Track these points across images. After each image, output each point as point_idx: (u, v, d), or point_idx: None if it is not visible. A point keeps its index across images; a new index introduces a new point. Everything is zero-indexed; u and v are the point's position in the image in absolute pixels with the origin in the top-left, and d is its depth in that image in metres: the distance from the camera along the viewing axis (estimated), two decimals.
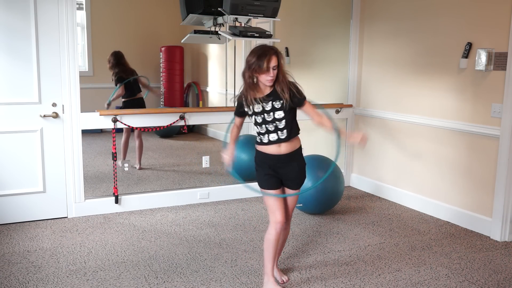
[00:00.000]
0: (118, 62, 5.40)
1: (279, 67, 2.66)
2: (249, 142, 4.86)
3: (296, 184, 2.87)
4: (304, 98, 2.75)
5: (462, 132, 4.08)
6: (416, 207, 4.58)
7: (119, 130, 4.29)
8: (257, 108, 2.72)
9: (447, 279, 3.14)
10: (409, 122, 4.58)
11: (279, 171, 2.81)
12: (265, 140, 2.77)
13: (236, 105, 2.86)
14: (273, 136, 2.74)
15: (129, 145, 5.54)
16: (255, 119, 2.76)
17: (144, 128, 4.35)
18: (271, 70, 2.62)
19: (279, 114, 2.70)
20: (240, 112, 2.85)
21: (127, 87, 5.43)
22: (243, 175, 4.06)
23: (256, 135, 2.84)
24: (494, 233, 3.85)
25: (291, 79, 2.74)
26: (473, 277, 3.18)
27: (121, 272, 3.15)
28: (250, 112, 2.77)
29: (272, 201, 2.81)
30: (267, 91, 2.71)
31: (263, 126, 2.74)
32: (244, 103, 2.77)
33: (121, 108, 5.39)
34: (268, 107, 2.70)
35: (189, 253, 3.47)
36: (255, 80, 2.68)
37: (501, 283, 3.09)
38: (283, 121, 2.71)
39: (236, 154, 2.96)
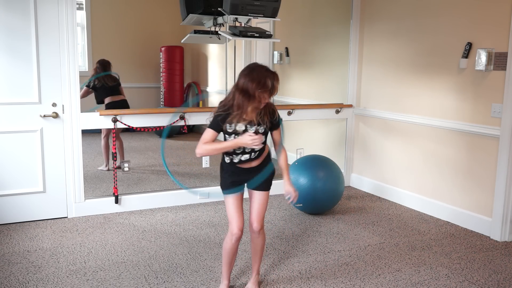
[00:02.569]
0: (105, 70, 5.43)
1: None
2: None
3: (263, 186, 2.77)
4: (279, 121, 2.70)
5: (462, 132, 4.08)
6: (416, 207, 4.58)
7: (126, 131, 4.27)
8: (240, 127, 2.58)
9: (447, 279, 3.14)
10: (409, 122, 4.58)
11: (247, 178, 2.75)
12: (236, 160, 2.68)
13: (213, 119, 2.61)
14: (246, 157, 2.68)
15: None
16: (232, 137, 2.62)
17: (144, 128, 4.34)
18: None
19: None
20: (219, 127, 2.61)
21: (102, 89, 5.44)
22: None
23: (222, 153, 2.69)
24: (494, 233, 3.85)
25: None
26: (473, 277, 3.18)
27: (121, 272, 3.15)
28: (230, 130, 2.59)
29: (231, 209, 2.73)
30: (253, 114, 2.58)
31: (241, 147, 2.63)
32: (225, 118, 2.57)
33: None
34: (252, 130, 2.59)
35: (189, 253, 3.47)
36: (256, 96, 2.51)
37: (501, 283, 3.09)
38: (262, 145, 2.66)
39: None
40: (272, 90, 2.53)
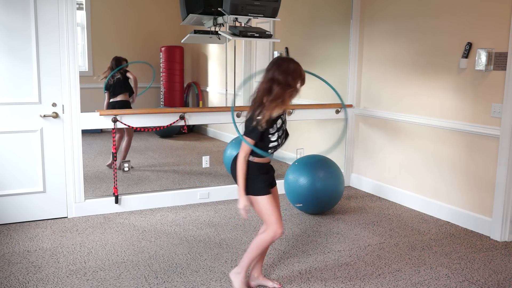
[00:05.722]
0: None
1: None
2: None
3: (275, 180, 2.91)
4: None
5: (462, 132, 4.08)
6: (416, 207, 4.58)
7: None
8: (279, 122, 2.70)
9: (447, 279, 3.14)
10: (409, 122, 4.58)
11: (272, 174, 2.86)
12: (270, 152, 2.73)
13: (257, 124, 2.60)
14: (275, 148, 2.76)
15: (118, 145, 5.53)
16: (275, 134, 2.68)
17: (144, 128, 4.35)
18: None
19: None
20: (261, 133, 2.64)
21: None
22: None
23: (254, 150, 2.68)
24: (494, 233, 3.85)
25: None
26: (473, 277, 3.18)
27: (121, 272, 3.15)
28: (274, 130, 2.66)
29: (273, 210, 2.72)
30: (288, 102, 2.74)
31: (279, 139, 2.71)
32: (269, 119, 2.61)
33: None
34: (284, 118, 2.75)
35: (189, 253, 3.47)
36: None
37: (501, 283, 3.09)
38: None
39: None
40: (303, 81, 2.69)
